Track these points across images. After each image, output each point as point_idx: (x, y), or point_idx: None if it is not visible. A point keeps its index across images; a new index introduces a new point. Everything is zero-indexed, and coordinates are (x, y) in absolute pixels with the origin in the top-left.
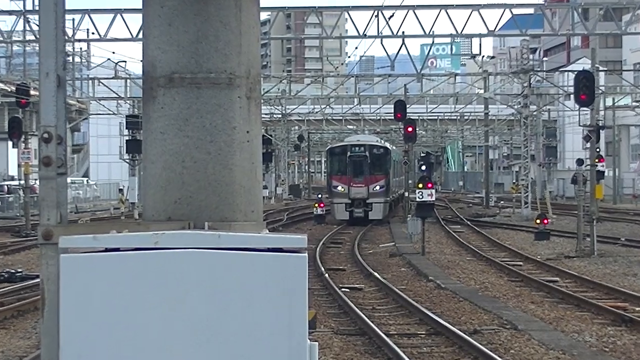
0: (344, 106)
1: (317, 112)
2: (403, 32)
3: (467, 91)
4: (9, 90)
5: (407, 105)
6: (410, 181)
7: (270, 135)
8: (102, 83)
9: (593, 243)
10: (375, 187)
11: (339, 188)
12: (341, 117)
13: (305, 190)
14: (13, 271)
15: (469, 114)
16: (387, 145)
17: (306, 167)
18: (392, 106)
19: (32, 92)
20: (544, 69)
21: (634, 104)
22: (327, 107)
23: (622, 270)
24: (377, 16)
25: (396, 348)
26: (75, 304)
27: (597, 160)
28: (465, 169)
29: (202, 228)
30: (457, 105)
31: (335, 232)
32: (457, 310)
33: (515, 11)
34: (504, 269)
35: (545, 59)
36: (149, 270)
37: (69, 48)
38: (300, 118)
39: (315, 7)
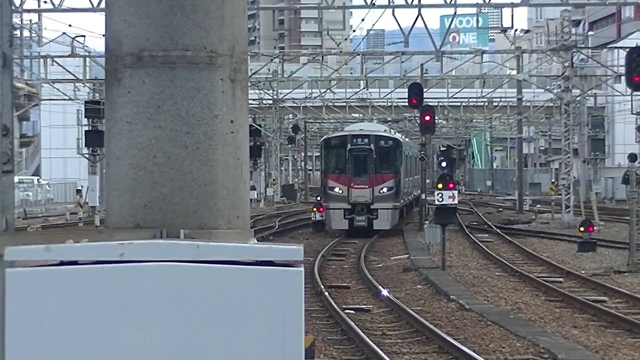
0: (348, 90)
1: (315, 98)
2: (419, 1)
3: (496, 72)
4: None
5: (424, 89)
6: (427, 181)
7: (259, 126)
8: (56, 62)
9: None
10: (382, 188)
11: (337, 190)
12: (344, 104)
13: (302, 191)
14: None
15: (498, 99)
16: (398, 136)
17: (302, 163)
18: (406, 90)
19: None
20: (589, 46)
21: None
22: (328, 91)
23: None
24: None
25: None
26: (23, 326)
27: None
28: (494, 166)
29: (177, 237)
30: (485, 89)
31: (337, 242)
32: (484, 337)
33: None
34: (540, 287)
35: (590, 33)
36: (112, 288)
37: (16, 20)
38: (295, 105)
39: None
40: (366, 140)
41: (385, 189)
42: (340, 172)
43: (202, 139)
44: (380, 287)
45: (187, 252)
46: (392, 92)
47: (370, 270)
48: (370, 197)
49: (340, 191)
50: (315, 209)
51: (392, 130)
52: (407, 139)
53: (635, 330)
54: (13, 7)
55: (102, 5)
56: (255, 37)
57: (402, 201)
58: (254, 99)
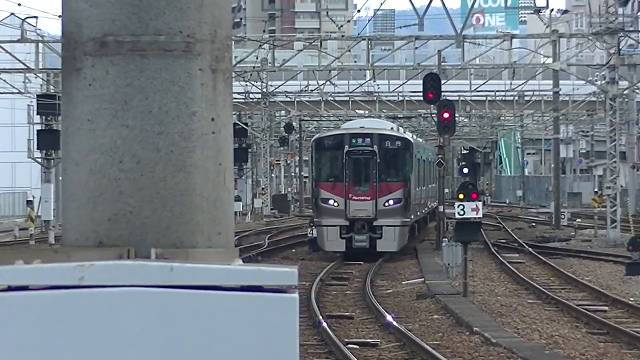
0: (352, 82)
1: (312, 91)
2: None
3: (528, 60)
4: None
5: (443, 81)
6: (446, 190)
7: (246, 124)
8: (3, 48)
9: None
10: (387, 200)
11: (331, 202)
12: (347, 98)
13: (296, 203)
14: None
15: (531, 93)
16: (408, 135)
17: (297, 169)
18: (421, 82)
19: None
20: None
21: None
22: (327, 83)
23: None
24: None
25: None
26: None
27: None
28: (527, 173)
29: (147, 257)
30: (515, 81)
31: (338, 264)
32: None
33: None
34: (581, 317)
35: None
36: (69, 318)
37: None
38: (288, 99)
39: None
40: (368, 140)
41: (391, 201)
42: (335, 179)
43: (178, 140)
44: (385, 312)
45: (158, 275)
46: (403, 84)
47: (377, 297)
48: (372, 211)
49: (336, 204)
50: (312, 224)
51: (400, 128)
52: (420, 140)
53: None
54: None
55: None
56: (241, 19)
57: (412, 216)
58: (239, 93)
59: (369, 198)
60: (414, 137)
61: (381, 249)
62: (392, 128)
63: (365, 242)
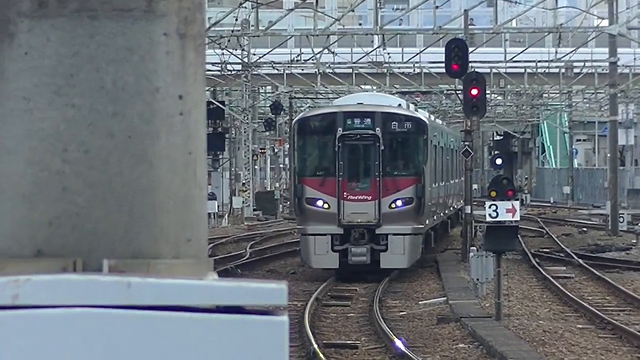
0: (356, 50)
1: (306, 62)
2: None
3: (578, 23)
4: None
5: (470, 49)
6: (474, 186)
7: (222, 103)
8: None
9: None
10: (394, 201)
11: (319, 204)
12: (350, 70)
13: (285, 202)
14: None
15: (581, 64)
16: (422, 114)
17: (286, 159)
18: (443, 50)
19: None
20: None
21: None
22: (325, 52)
23: None
24: None
25: None
26: None
27: None
28: (576, 164)
29: (98, 270)
30: (560, 49)
31: (338, 279)
32: None
33: None
34: None
35: None
36: (2, 343)
37: None
38: (276, 71)
39: None
40: (368, 120)
41: (399, 202)
42: (325, 173)
43: (137, 123)
44: (395, 338)
45: (112, 293)
46: (420, 53)
47: (388, 321)
48: (374, 215)
49: (326, 205)
50: None
51: (411, 105)
52: (439, 122)
53: None
54: None
55: None
56: None
57: (428, 221)
58: (214, 64)
59: (369, 198)
60: (431, 117)
61: (386, 265)
62: (400, 105)
63: (365, 256)
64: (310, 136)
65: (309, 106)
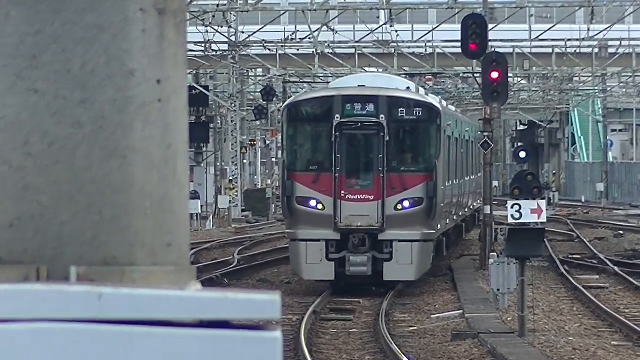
0: (359, 28)
1: (302, 40)
2: None
3: None
4: None
5: (490, 26)
6: (495, 183)
7: (207, 88)
8: None
9: None
10: (401, 201)
11: (312, 204)
12: (352, 50)
13: (278, 201)
14: None
15: (617, 43)
16: (433, 99)
17: (279, 152)
18: (459, 28)
19: None
20: None
21: None
22: (324, 29)
23: None
24: None
25: None
26: None
27: None
28: (611, 158)
29: (65, 279)
30: (594, 26)
31: (338, 289)
32: None
33: None
34: None
35: None
36: None
37: None
38: (267, 52)
39: None
40: (371, 106)
41: (407, 203)
42: (319, 168)
43: (109, 111)
44: (404, 357)
45: (81, 305)
46: (433, 30)
47: (396, 338)
48: (377, 217)
49: (320, 206)
50: None
51: (421, 89)
52: (453, 109)
53: None
54: None
55: None
56: None
57: (439, 225)
58: (197, 43)
59: (371, 198)
60: (443, 103)
61: (391, 277)
62: (408, 88)
63: (366, 266)
64: (302, 124)
65: (306, 91)
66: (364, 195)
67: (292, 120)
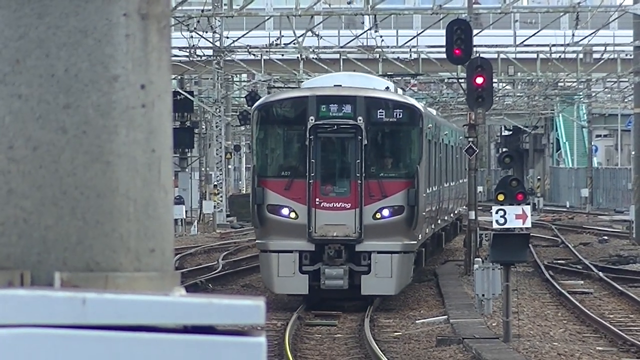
0: (344, 33)
1: (287, 45)
2: None
3: (597, 2)
4: None
5: (475, 32)
6: (479, 189)
7: (191, 93)
8: None
9: None
10: (379, 209)
11: (284, 212)
12: (337, 55)
13: None
14: None
15: (602, 48)
16: (414, 102)
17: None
18: (444, 33)
19: None
20: None
21: None
22: (309, 34)
23: None
24: None
25: None
26: None
27: None
28: (596, 163)
29: (48, 284)
30: (578, 32)
31: (312, 304)
32: None
33: None
34: None
35: None
36: None
37: None
38: (252, 57)
39: None
40: (348, 107)
41: (386, 211)
42: (292, 174)
43: (92, 116)
44: None
45: (65, 311)
46: (418, 35)
47: (381, 343)
48: (355, 227)
49: (293, 215)
50: None
51: (400, 90)
52: (432, 110)
53: None
54: None
55: None
56: None
57: (421, 235)
58: (181, 48)
59: (348, 206)
60: (424, 106)
61: (369, 291)
62: (387, 88)
63: (342, 279)
64: (273, 126)
65: (278, 91)
66: (340, 203)
67: (263, 122)
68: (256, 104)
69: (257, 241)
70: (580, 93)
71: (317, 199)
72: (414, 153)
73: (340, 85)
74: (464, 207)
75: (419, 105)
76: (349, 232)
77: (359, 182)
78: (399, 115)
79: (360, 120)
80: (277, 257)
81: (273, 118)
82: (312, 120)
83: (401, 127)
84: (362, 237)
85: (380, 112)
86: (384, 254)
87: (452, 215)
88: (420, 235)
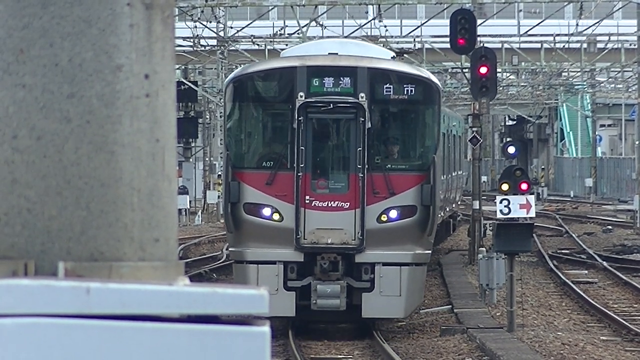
0: (348, 23)
1: (291, 35)
2: None
3: None
4: None
5: (479, 21)
6: (483, 179)
7: (195, 83)
8: None
9: None
10: (386, 210)
11: (266, 213)
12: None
13: None
14: None
15: (606, 38)
16: (431, 76)
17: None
18: (447, 22)
19: None
20: None
21: None
22: (313, 24)
23: None
24: None
25: None
26: None
27: None
28: (600, 153)
29: (52, 274)
30: (582, 21)
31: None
32: None
33: None
34: None
35: None
36: None
37: None
38: (256, 47)
39: None
40: (347, 81)
41: (395, 212)
42: (275, 165)
43: (96, 106)
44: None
45: (69, 301)
46: (422, 25)
47: (385, 333)
48: (354, 232)
49: (277, 216)
50: None
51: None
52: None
53: None
54: None
55: None
56: None
57: (433, 239)
58: (185, 38)
59: (347, 205)
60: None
61: (371, 313)
62: (393, 57)
63: (339, 298)
64: (252, 104)
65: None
66: (337, 202)
67: (238, 99)
68: (230, 76)
69: (230, 249)
70: (584, 83)
71: (307, 197)
72: (429, 139)
73: (337, 54)
74: (459, 201)
75: (435, 79)
76: (347, 239)
77: (360, 175)
78: (411, 91)
79: (362, 97)
80: (256, 269)
81: (252, 94)
82: (301, 97)
83: (414, 107)
84: (364, 245)
85: (387, 88)
86: (391, 267)
87: (447, 210)
88: (433, 239)
